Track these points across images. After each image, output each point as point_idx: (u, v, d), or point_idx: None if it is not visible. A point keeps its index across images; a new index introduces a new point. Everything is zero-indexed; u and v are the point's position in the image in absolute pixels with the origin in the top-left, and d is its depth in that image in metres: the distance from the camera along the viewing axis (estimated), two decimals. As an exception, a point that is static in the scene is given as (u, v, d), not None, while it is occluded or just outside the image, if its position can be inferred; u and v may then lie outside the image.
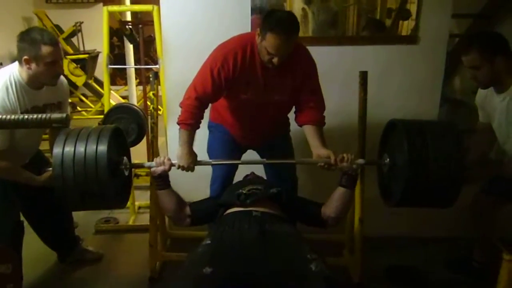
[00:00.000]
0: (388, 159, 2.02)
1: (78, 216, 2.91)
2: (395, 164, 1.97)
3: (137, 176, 3.51)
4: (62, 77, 2.22)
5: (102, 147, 1.76)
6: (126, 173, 2.01)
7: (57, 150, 1.77)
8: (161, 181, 2.09)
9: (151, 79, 2.51)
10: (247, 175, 2.33)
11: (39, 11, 6.50)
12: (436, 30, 2.59)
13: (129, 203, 3.19)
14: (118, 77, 7.18)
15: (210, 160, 2.20)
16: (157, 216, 2.37)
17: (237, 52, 2.01)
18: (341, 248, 2.56)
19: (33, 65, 1.96)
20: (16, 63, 2.01)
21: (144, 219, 2.96)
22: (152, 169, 2.07)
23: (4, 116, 1.14)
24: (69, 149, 1.76)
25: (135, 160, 3.60)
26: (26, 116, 1.15)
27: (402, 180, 1.85)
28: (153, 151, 2.34)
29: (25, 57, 1.94)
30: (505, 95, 2.04)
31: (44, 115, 1.18)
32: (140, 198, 3.31)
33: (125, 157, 2.00)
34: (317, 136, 2.11)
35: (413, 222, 2.76)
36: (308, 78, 2.13)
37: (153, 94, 2.36)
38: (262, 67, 2.02)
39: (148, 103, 3.59)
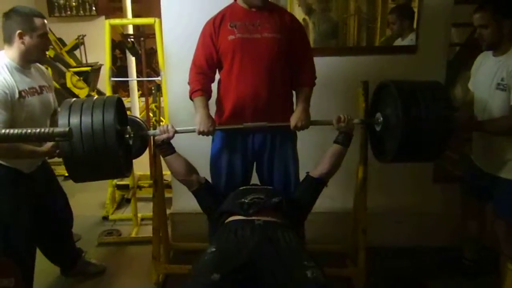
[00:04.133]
0: (381, 118, 2.11)
1: (80, 228, 2.91)
2: (389, 122, 2.06)
3: (140, 187, 3.51)
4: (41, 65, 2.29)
5: (109, 116, 1.79)
6: (130, 142, 2.06)
7: (62, 121, 1.77)
8: (165, 147, 2.14)
9: (153, 91, 2.52)
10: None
11: (42, 25, 6.51)
12: (436, 39, 2.60)
13: (131, 215, 3.20)
14: (120, 89, 7.19)
15: (226, 126, 2.18)
16: (160, 228, 2.37)
17: (216, 17, 2.15)
18: (344, 259, 2.54)
19: (27, 38, 1.99)
20: (2, 51, 2.04)
21: (147, 231, 2.96)
22: (156, 137, 2.12)
23: (6, 131, 1.15)
24: (75, 120, 1.77)
25: (137, 172, 3.64)
26: (29, 130, 1.15)
27: (397, 137, 1.94)
28: (155, 163, 2.34)
29: (19, 31, 1.97)
30: (500, 58, 2.11)
31: (47, 129, 1.18)
32: (143, 209, 3.31)
33: (128, 127, 2.04)
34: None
35: (416, 232, 2.75)
36: (297, 36, 2.18)
37: (155, 106, 2.37)
38: (244, 12, 2.12)
39: (151, 114, 3.61)
